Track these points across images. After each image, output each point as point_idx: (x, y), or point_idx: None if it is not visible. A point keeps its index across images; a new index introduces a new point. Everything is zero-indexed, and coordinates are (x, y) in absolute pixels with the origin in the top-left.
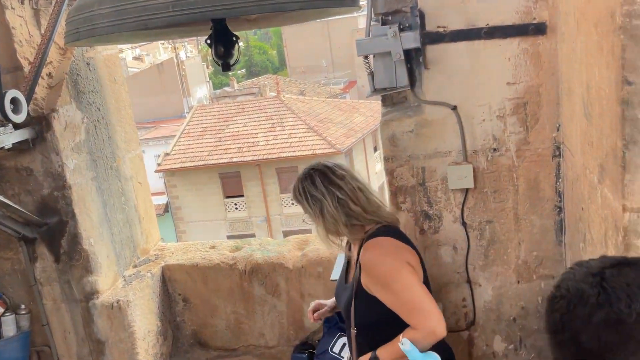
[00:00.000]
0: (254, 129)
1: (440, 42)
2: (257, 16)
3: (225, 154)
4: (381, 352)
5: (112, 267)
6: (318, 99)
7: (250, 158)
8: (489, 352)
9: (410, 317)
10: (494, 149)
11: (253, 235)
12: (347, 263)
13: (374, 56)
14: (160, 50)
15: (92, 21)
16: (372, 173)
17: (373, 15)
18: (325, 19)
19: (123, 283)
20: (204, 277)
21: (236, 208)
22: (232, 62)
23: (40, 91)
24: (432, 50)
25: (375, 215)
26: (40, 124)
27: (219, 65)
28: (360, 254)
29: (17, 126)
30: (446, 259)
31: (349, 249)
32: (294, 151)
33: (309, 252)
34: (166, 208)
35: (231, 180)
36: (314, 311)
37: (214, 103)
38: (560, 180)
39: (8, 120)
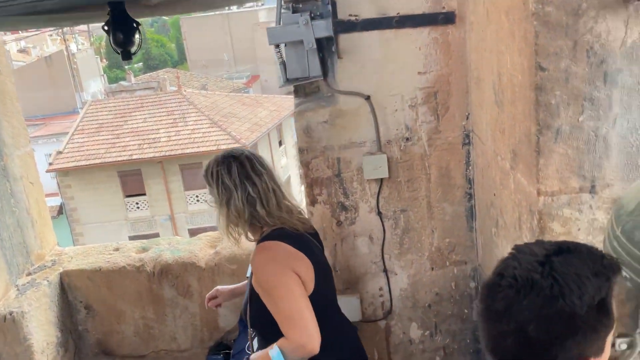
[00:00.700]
0: (155, 125)
1: (353, 31)
2: (158, 2)
3: (124, 151)
4: (255, 356)
5: (3, 276)
6: (221, 94)
7: (151, 155)
8: (405, 340)
9: (284, 327)
10: (407, 139)
11: (157, 235)
12: None
13: (285, 45)
14: (48, 42)
15: None
16: (278, 167)
17: (283, 3)
18: (226, 10)
19: (16, 293)
20: (108, 282)
21: (138, 207)
22: (133, 50)
23: None
24: (345, 40)
25: (280, 220)
26: None
27: (118, 53)
28: (251, 256)
29: None
30: (363, 250)
31: None
32: (198, 147)
33: (222, 249)
34: (60, 210)
35: (131, 179)
36: (210, 299)
37: (110, 98)
38: (470, 167)
39: None
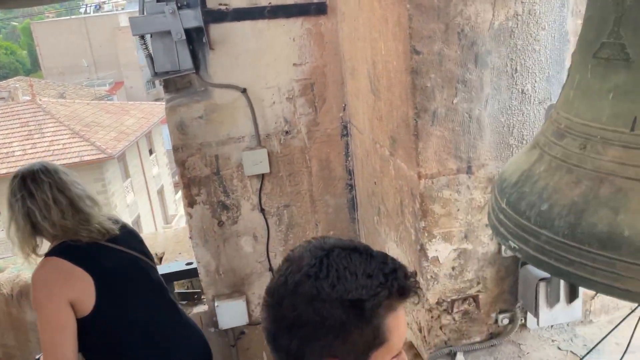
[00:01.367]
0: (7, 138)
1: (224, 21)
2: None
3: None
4: None
5: None
6: (82, 102)
7: (5, 171)
8: None
9: (41, 349)
10: (286, 132)
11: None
12: None
13: (151, 37)
14: None
15: None
16: (149, 177)
17: None
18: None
19: None
20: None
21: None
22: None
23: None
24: (216, 30)
25: (65, 231)
26: None
27: None
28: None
29: None
30: (247, 249)
31: None
32: (59, 159)
33: None
34: None
35: None
36: None
37: None
38: (349, 158)
39: None
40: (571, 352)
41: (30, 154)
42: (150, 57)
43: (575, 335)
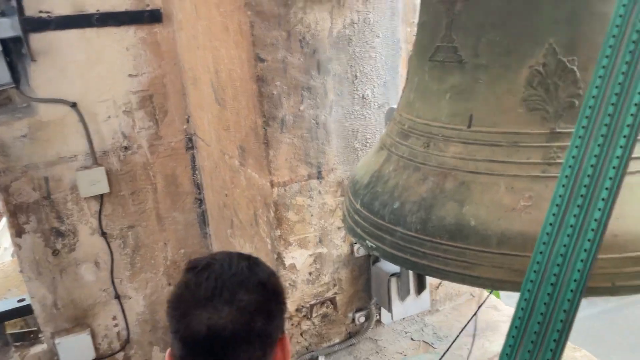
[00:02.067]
0: None
1: (46, 30)
2: None
3: None
4: None
5: None
6: None
7: None
8: None
9: None
10: (126, 147)
11: None
12: None
13: None
14: None
15: None
16: None
17: None
18: None
19: None
20: None
21: None
22: None
23: None
24: (38, 40)
25: None
26: None
27: None
28: None
29: None
30: (89, 278)
31: None
32: None
33: None
34: None
35: None
36: None
37: None
38: (197, 172)
39: None
40: (423, 341)
41: None
42: None
43: (425, 324)
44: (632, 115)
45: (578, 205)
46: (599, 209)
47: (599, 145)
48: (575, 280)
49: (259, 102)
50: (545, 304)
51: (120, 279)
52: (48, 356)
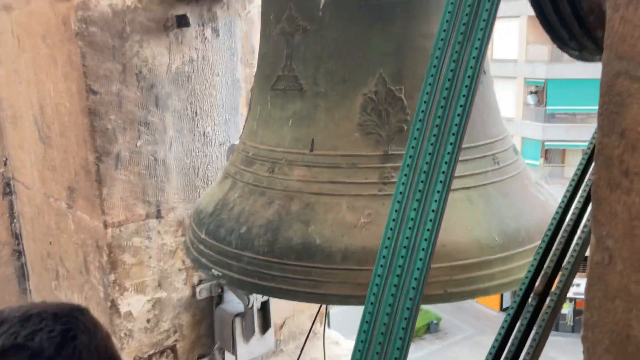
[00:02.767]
0: None
1: None
2: None
3: None
4: None
5: None
6: None
7: None
8: None
9: None
10: None
11: None
12: None
13: None
14: None
15: None
16: None
17: None
18: None
19: None
20: None
21: None
22: None
23: None
24: None
25: None
26: None
27: None
28: None
29: None
30: None
31: None
32: None
33: None
34: None
35: None
36: None
37: None
38: (15, 220)
39: None
40: None
41: None
42: None
43: None
44: (453, 134)
45: (412, 219)
46: (430, 220)
47: (427, 163)
48: (413, 289)
49: (91, 137)
50: (387, 314)
51: None
52: None
